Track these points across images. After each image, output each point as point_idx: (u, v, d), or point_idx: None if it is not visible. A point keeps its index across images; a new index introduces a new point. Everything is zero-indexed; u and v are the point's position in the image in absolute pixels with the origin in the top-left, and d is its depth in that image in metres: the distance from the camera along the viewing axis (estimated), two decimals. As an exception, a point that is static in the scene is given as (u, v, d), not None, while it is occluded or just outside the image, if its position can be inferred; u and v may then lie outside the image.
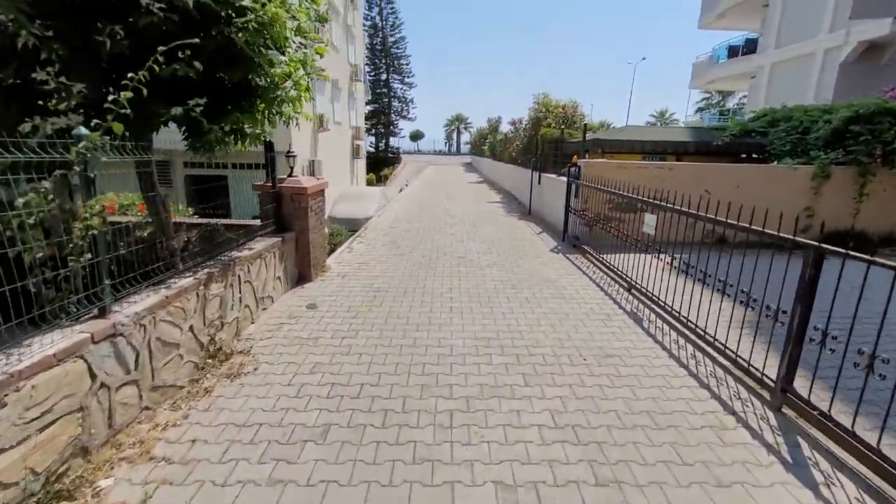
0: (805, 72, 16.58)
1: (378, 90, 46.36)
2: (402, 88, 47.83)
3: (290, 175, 5.69)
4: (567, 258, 7.37)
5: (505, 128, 24.92)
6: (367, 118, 47.09)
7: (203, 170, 14.11)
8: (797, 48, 17.08)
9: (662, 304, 4.90)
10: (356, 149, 24.86)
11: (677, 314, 4.59)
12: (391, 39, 45.23)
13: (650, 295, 5.19)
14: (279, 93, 4.04)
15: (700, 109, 46.19)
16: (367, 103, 47.18)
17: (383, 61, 45.53)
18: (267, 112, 4.10)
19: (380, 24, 44.55)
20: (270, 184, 5.46)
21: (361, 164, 27.84)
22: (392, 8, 44.47)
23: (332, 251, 7.52)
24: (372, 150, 45.99)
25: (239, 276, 4.24)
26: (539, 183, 11.98)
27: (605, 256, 6.72)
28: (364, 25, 44.73)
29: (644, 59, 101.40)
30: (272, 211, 5.52)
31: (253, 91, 3.77)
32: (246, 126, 4.06)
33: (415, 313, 4.89)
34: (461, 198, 16.43)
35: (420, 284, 5.89)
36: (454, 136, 78.28)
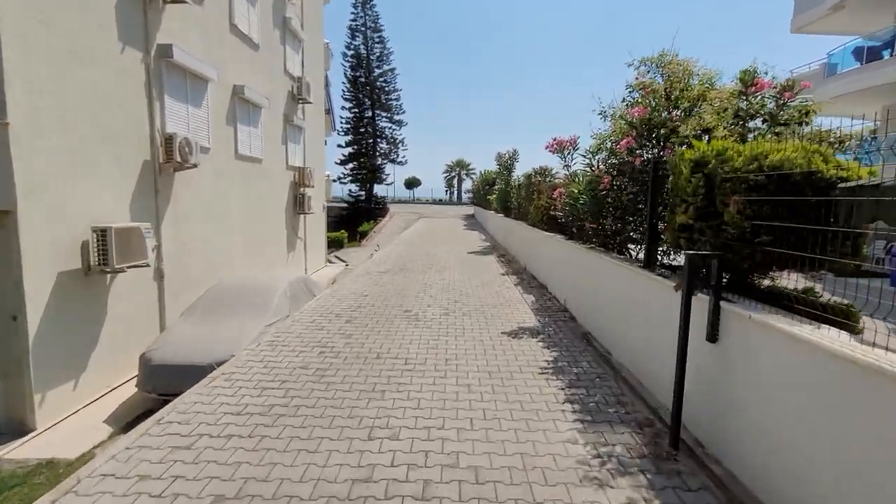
0: None
1: (361, 128, 39.09)
2: (390, 127, 40.46)
3: None
4: None
5: (527, 164, 16.59)
6: (344, 161, 39.34)
7: None
8: None
9: None
10: (301, 200, 16.57)
11: None
12: (377, 71, 38.49)
13: None
14: None
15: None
16: (347, 144, 39.78)
17: (367, 95, 38.54)
18: None
19: (364, 54, 38.00)
20: None
21: (316, 220, 19.48)
22: (380, 37, 38.11)
23: None
24: (351, 199, 38.18)
25: None
26: (716, 338, 3.30)
27: None
28: (346, 55, 38.36)
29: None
30: None
31: None
32: None
33: None
34: (460, 300, 7.71)
35: None
36: (455, 182, 71.21)
